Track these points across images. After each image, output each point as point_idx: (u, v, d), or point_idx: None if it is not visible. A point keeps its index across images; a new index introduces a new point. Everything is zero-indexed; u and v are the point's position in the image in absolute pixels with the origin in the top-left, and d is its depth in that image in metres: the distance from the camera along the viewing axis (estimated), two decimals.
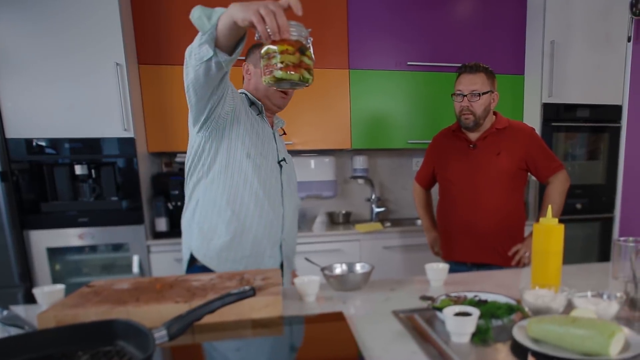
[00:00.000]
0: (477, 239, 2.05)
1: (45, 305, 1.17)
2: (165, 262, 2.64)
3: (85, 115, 2.48)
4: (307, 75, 1.07)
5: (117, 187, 2.64)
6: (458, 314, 0.93)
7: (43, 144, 2.47)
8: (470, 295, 1.12)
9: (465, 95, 1.97)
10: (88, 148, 2.53)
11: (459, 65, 2.08)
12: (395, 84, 3.11)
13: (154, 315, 1.01)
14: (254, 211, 1.54)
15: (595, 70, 3.09)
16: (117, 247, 2.66)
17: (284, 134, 1.79)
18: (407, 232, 3.01)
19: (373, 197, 3.44)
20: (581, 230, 3.29)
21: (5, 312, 1.15)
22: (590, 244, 3.33)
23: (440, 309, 1.00)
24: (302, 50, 1.05)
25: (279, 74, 1.04)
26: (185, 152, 1.58)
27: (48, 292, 1.18)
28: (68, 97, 2.44)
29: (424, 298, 1.12)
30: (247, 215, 1.53)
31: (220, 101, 1.39)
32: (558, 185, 2.08)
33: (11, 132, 2.41)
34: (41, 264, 2.50)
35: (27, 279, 2.48)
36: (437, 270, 1.39)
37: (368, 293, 1.33)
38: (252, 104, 1.60)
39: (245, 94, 1.61)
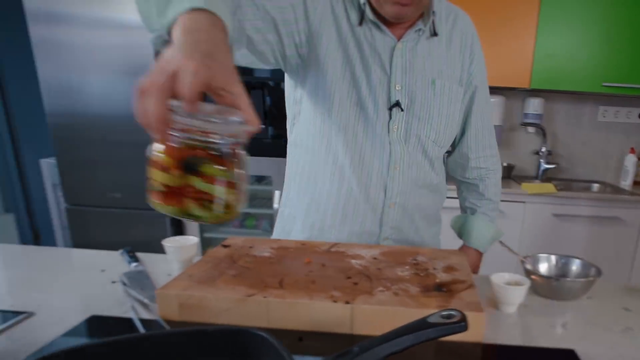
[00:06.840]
0: None
1: (175, 262, 0.97)
2: None
3: None
4: (196, 211, 0.53)
5: (264, 114, 2.44)
6: None
7: None
8: None
9: None
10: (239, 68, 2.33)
11: None
12: (597, 9, 2.40)
13: (302, 313, 0.73)
14: (331, 195, 1.06)
15: None
16: (260, 179, 2.52)
17: (435, 34, 1.00)
18: (584, 200, 2.44)
19: (543, 150, 2.84)
20: None
21: (133, 265, 0.98)
22: None
23: None
24: (190, 165, 0.51)
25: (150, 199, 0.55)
26: None
27: (179, 247, 0.97)
28: None
29: None
30: (323, 204, 1.08)
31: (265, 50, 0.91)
32: None
33: None
34: None
35: None
36: None
37: (589, 309, 0.91)
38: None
39: None
